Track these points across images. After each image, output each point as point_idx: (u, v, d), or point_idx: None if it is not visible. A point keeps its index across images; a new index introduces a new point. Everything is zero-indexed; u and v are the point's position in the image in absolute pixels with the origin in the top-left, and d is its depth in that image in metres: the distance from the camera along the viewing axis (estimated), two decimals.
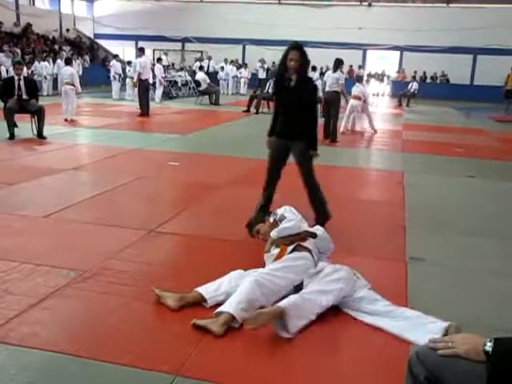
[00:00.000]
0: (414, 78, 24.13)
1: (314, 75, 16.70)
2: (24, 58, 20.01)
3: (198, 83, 19.24)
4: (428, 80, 28.68)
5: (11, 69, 15.81)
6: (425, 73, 28.60)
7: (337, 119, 11.02)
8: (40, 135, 9.51)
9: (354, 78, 16.77)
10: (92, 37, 31.49)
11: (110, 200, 5.82)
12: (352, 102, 12.39)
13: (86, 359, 2.66)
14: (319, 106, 10.84)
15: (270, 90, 16.46)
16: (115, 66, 19.84)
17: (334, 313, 3.21)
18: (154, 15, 30.36)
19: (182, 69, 24.02)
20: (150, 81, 15.84)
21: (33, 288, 3.42)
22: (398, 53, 29.62)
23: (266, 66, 25.66)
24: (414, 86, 21.58)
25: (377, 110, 18.56)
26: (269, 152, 4.95)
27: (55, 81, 18.88)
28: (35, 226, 4.76)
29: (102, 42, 31.28)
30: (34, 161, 7.77)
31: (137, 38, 30.47)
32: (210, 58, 26.83)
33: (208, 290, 3.26)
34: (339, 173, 7.91)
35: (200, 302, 3.23)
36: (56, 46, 25.37)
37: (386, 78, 28.06)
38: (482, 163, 9.13)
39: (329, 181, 6.33)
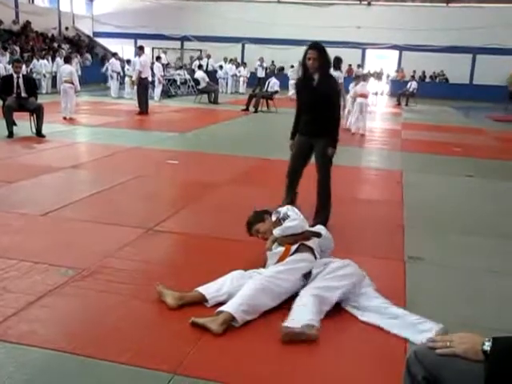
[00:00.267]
0: (413, 77, 24.14)
1: None
2: (23, 56, 19.98)
3: (197, 82, 19.23)
4: (427, 79, 28.69)
5: (8, 66, 15.84)
6: (424, 72, 28.61)
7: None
8: (39, 133, 9.50)
9: (352, 77, 16.77)
10: (91, 35, 31.45)
11: (109, 198, 5.81)
12: (360, 100, 12.12)
13: (84, 357, 2.66)
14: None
15: (269, 89, 16.49)
16: (114, 65, 19.82)
17: (333, 311, 3.21)
18: (153, 13, 30.31)
19: (181, 67, 24.00)
20: (149, 79, 15.81)
21: (31, 286, 3.42)
22: (397, 52, 29.63)
23: (264, 65, 25.66)
24: (413, 85, 21.59)
25: (376, 110, 18.57)
26: (296, 148, 5.02)
27: (54, 79, 18.87)
28: (34, 224, 4.76)
29: (101, 41, 31.25)
30: (33, 159, 7.77)
31: (136, 37, 30.42)
32: (208, 57, 26.80)
33: (209, 290, 3.25)
34: (338, 172, 7.81)
35: (200, 301, 3.23)
36: (55, 44, 25.33)
37: (384, 77, 28.03)
38: (481, 163, 9.14)
39: None
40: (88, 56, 26.89)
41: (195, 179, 6.81)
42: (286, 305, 3.22)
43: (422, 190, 6.80)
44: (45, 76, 19.77)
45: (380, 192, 6.96)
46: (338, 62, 10.94)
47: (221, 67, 24.63)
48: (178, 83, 21.88)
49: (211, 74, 22.60)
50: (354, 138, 11.67)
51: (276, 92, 16.54)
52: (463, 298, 3.61)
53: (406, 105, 21.44)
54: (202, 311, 3.11)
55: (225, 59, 25.48)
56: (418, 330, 2.95)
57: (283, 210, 3.78)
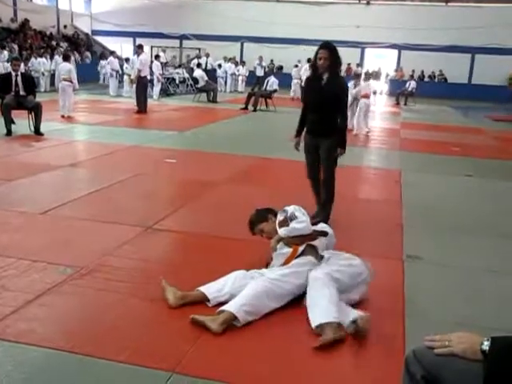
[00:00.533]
0: (411, 76, 24.14)
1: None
2: (21, 54, 19.94)
3: (195, 80, 19.22)
4: (426, 79, 28.70)
5: (7, 64, 15.80)
6: (423, 71, 28.62)
7: None
8: (37, 132, 9.49)
9: (351, 76, 16.76)
10: (90, 33, 31.40)
11: (107, 197, 5.81)
12: (366, 100, 12.11)
13: (82, 356, 2.66)
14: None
15: (268, 88, 16.48)
16: (112, 63, 19.80)
17: None
18: (152, 12, 30.27)
19: (179, 66, 23.99)
20: (148, 78, 15.80)
21: (29, 284, 3.41)
22: (396, 51, 29.64)
23: (263, 64, 25.65)
24: (411, 84, 21.59)
25: (375, 109, 18.56)
26: (304, 150, 5.07)
27: (52, 77, 18.84)
28: (32, 223, 4.75)
29: (100, 39, 31.22)
30: (32, 157, 7.76)
31: (134, 35, 30.40)
32: (207, 56, 26.80)
33: (211, 290, 3.25)
34: (337, 171, 7.88)
35: (202, 300, 3.23)
36: (53, 42, 25.30)
37: (382, 77, 28.02)
38: (480, 162, 9.15)
39: None
40: (88, 54, 26.87)
41: (194, 178, 6.81)
42: (286, 306, 3.22)
43: (420, 190, 6.80)
44: (43, 74, 19.74)
45: (379, 191, 6.96)
46: None
47: (219, 66, 24.62)
48: (177, 82, 21.87)
49: (210, 73, 22.60)
50: (351, 137, 11.65)
51: (275, 91, 16.53)
52: (462, 298, 3.61)
53: (405, 104, 21.44)
54: (202, 310, 3.10)
55: (224, 58, 25.46)
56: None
57: (290, 209, 3.74)
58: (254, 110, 15.75)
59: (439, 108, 21.01)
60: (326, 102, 4.75)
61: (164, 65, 21.95)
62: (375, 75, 26.75)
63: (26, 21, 24.89)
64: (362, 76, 13.93)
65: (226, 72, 24.59)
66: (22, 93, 9.58)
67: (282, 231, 3.59)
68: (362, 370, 2.72)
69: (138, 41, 25.33)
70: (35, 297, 3.25)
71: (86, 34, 30.76)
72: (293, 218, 3.66)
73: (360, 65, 27.06)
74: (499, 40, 25.80)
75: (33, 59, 19.75)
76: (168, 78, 21.10)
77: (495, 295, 3.69)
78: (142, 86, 14.29)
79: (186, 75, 22.21)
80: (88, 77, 23.06)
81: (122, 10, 31.21)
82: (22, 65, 15.12)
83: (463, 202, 6.37)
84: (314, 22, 27.48)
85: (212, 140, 10.26)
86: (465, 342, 1.62)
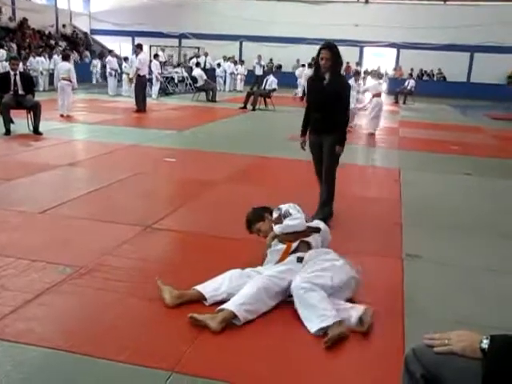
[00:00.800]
0: (410, 75, 24.14)
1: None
2: (20, 53, 19.92)
3: (194, 80, 19.20)
4: (425, 77, 28.70)
5: (5, 64, 15.78)
6: (421, 70, 28.63)
7: None
8: (36, 131, 9.48)
9: (350, 75, 16.75)
10: (88, 32, 31.37)
11: (106, 196, 5.80)
12: (378, 99, 12.09)
13: (81, 355, 2.66)
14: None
15: (267, 87, 16.47)
16: (111, 62, 19.78)
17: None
18: (151, 11, 30.27)
19: (178, 65, 23.99)
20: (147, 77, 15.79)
21: (28, 284, 3.41)
22: (395, 50, 29.65)
23: (262, 63, 25.64)
24: (410, 83, 21.59)
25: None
26: (310, 149, 5.11)
27: (51, 76, 18.82)
28: (31, 222, 4.75)
29: (99, 38, 31.19)
30: (31, 157, 7.75)
31: (133, 34, 30.40)
32: (206, 55, 26.78)
33: (207, 289, 3.25)
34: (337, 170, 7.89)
35: (199, 299, 3.23)
36: (52, 42, 25.28)
37: (379, 75, 28.01)
38: (479, 161, 9.15)
39: None
40: (87, 53, 26.84)
41: (193, 177, 6.80)
42: (285, 305, 3.22)
43: (419, 188, 6.80)
44: (42, 73, 19.73)
45: (378, 190, 6.95)
46: None
47: (219, 65, 24.61)
48: (176, 81, 21.86)
49: (209, 72, 22.59)
50: (350, 136, 11.65)
51: (274, 90, 16.52)
52: (461, 296, 3.61)
53: (404, 103, 21.45)
54: (200, 309, 3.10)
55: (223, 57, 25.45)
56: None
57: (285, 207, 3.77)
58: (253, 109, 15.75)
59: (438, 106, 21.01)
60: (328, 101, 4.80)
61: (163, 64, 21.94)
62: (377, 74, 26.81)
63: (25, 20, 24.87)
64: (362, 75, 13.95)
65: (225, 71, 24.58)
66: (20, 92, 9.57)
67: (276, 228, 3.64)
68: (362, 368, 2.72)
69: (137, 40, 25.30)
70: (34, 296, 3.24)
71: (85, 34, 30.74)
72: (287, 215, 3.69)
73: (359, 63, 27.06)
74: (498, 38, 25.83)
75: (31, 58, 19.73)
76: (167, 77, 21.09)
77: (495, 294, 3.69)
78: (141, 85, 14.27)
79: (185, 74, 22.20)
80: (87, 76, 23.08)
81: (121, 9, 31.20)
82: (21, 64, 15.12)
83: (462, 201, 6.37)
84: (312, 21, 27.50)
85: (211, 139, 10.25)
86: (464, 341, 1.62)
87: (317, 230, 3.74)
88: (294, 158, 7.82)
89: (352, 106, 12.51)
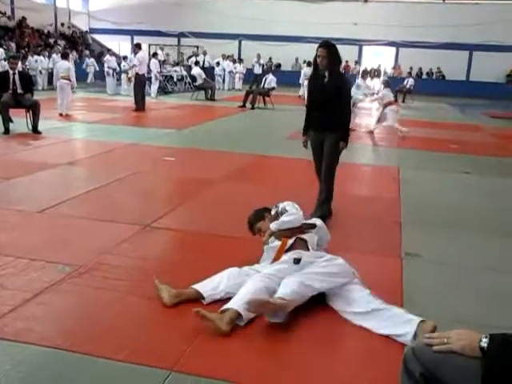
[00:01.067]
0: (409, 73, 24.16)
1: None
2: (19, 52, 19.89)
3: (193, 78, 19.19)
4: (424, 76, 28.70)
5: (4, 63, 15.76)
6: (420, 69, 28.62)
7: None
8: (35, 130, 9.47)
9: (349, 74, 16.77)
10: (87, 31, 31.34)
11: (105, 195, 5.80)
12: (392, 107, 12.26)
13: (81, 354, 2.65)
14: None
15: (266, 86, 16.47)
16: (109, 61, 19.77)
17: (331, 311, 3.21)
18: (150, 9, 30.24)
19: (177, 64, 23.97)
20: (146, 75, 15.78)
21: (28, 283, 3.40)
22: (394, 49, 29.64)
23: (261, 62, 25.64)
24: (409, 81, 21.60)
25: (372, 106, 18.55)
26: (311, 147, 5.12)
27: (50, 75, 18.81)
28: (30, 221, 4.74)
29: (98, 37, 31.16)
30: (29, 155, 7.74)
31: (132, 33, 30.37)
32: (205, 53, 26.77)
33: (205, 288, 3.24)
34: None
35: (197, 298, 3.22)
36: (51, 41, 25.25)
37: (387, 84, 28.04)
38: (478, 159, 9.15)
39: None
40: (87, 52, 26.84)
41: (192, 176, 6.80)
42: None
43: (418, 187, 6.80)
44: (41, 72, 19.71)
45: (377, 188, 6.95)
46: None
47: (218, 64, 24.60)
48: (175, 80, 21.85)
49: (208, 71, 22.57)
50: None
51: (273, 88, 16.53)
52: (460, 295, 3.61)
53: (403, 101, 21.44)
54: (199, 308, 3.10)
55: (222, 56, 25.43)
56: (402, 320, 2.93)
57: (282, 204, 3.80)
58: (252, 108, 15.75)
59: (437, 105, 21.01)
60: (328, 99, 4.81)
61: (162, 63, 21.93)
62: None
63: (24, 19, 24.84)
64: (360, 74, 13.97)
65: (224, 70, 24.58)
66: (19, 91, 9.55)
67: (272, 225, 3.66)
68: (362, 368, 2.71)
69: (136, 39, 25.29)
70: (33, 295, 3.24)
71: (84, 32, 30.70)
72: (283, 212, 3.72)
73: (358, 62, 27.06)
74: (497, 37, 25.84)
75: (30, 57, 19.71)
76: (166, 76, 21.08)
77: (494, 293, 3.69)
78: (140, 83, 14.27)
79: (184, 73, 22.19)
80: (83, 75, 23.05)
81: (120, 7, 31.17)
82: (20, 63, 15.10)
83: (461, 199, 6.37)
84: (311, 20, 27.50)
85: (210, 138, 10.25)
86: (463, 339, 1.62)
87: (313, 226, 3.75)
88: (292, 156, 7.83)
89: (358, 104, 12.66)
